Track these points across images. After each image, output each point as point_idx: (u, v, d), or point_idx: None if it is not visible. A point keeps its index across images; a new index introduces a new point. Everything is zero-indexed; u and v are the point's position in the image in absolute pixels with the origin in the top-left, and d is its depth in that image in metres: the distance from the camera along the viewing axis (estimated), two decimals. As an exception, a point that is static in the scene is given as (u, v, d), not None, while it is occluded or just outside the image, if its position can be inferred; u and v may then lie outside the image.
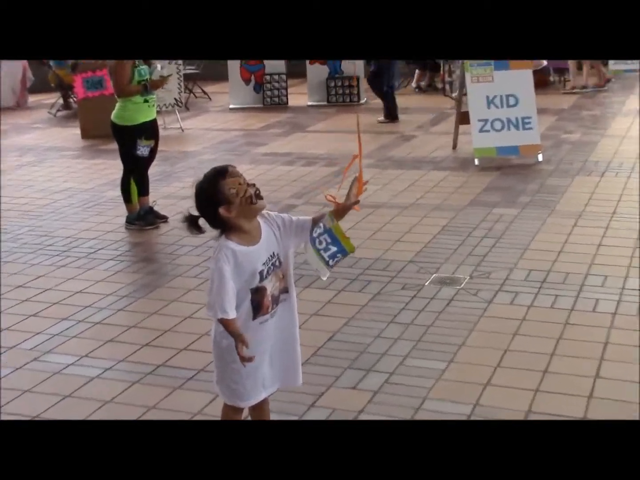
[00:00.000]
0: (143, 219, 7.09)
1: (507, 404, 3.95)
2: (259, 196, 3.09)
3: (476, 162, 8.82)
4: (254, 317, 3.16)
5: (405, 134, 10.77)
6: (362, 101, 13.42)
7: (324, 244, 3.19)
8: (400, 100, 12.49)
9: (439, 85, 14.14)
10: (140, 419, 3.95)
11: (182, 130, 11.68)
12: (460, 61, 10.02)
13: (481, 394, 4.06)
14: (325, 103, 13.43)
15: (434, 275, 5.66)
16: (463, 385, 4.17)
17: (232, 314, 3.03)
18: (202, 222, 3.15)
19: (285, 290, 3.25)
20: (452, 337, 4.70)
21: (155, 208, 7.22)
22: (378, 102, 12.20)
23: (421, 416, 3.89)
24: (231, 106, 13.58)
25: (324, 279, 3.31)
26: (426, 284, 5.52)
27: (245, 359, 3.00)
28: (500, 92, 8.85)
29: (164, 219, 7.18)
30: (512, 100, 8.85)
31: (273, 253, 3.16)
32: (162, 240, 6.85)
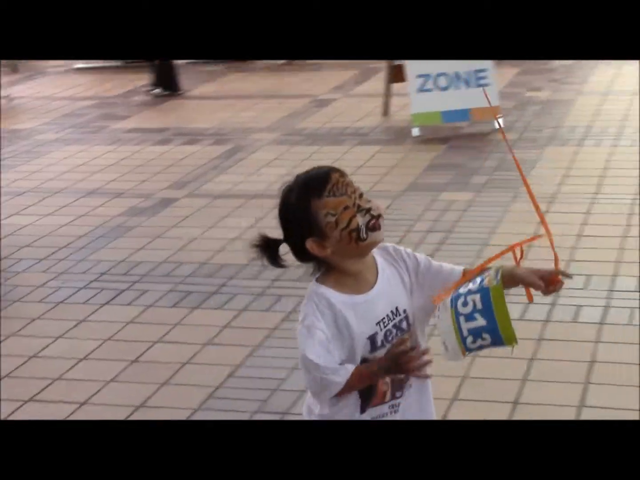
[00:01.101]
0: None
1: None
2: (374, 226, 2.63)
3: (415, 132, 9.06)
4: (362, 409, 2.75)
5: (320, 98, 10.98)
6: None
7: (469, 308, 2.66)
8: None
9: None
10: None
11: (10, 99, 11.60)
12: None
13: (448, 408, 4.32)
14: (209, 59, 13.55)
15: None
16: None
17: (344, 375, 2.61)
18: (284, 248, 2.76)
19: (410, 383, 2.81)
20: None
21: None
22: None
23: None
24: (78, 65, 13.56)
25: (449, 360, 2.72)
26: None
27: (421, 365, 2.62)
28: (443, 37, 9.12)
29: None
30: (459, 49, 9.12)
31: (396, 309, 2.74)
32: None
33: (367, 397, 2.72)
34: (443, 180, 7.76)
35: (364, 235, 2.61)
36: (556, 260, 2.70)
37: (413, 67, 9.13)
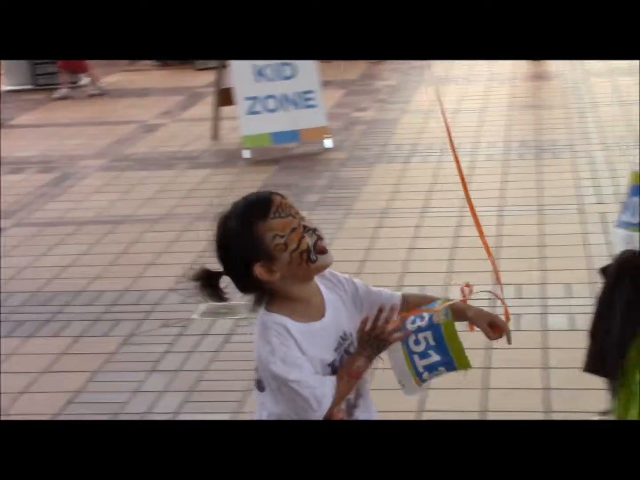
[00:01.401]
0: None
1: None
2: (321, 249, 2.60)
3: (246, 154, 9.12)
4: None
5: (148, 123, 10.96)
6: (83, 82, 13.40)
7: (422, 346, 2.70)
8: (136, 79, 12.68)
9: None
10: None
11: None
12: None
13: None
14: (30, 87, 13.33)
15: (205, 304, 5.84)
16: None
17: (330, 385, 2.57)
18: (225, 280, 2.68)
19: (359, 393, 2.77)
20: (237, 381, 4.89)
21: None
22: (109, 81, 12.26)
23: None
24: None
25: (408, 395, 2.85)
26: (195, 317, 5.71)
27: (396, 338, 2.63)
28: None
29: None
30: (287, 70, 9.23)
31: (344, 333, 2.69)
32: None
33: None
34: (275, 200, 7.80)
35: (314, 257, 2.56)
36: (506, 313, 2.78)
37: (241, 90, 9.19)
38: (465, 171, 7.78)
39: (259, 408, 2.67)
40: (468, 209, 3.05)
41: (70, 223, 7.56)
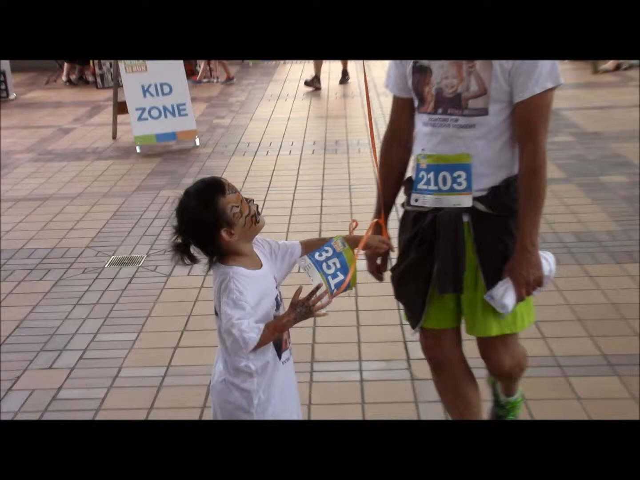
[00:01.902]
0: None
1: (196, 362, 4.30)
2: (258, 212, 2.59)
3: (138, 149, 9.04)
4: (279, 355, 2.62)
5: (64, 127, 10.67)
6: (12, 97, 12.95)
7: (332, 269, 2.69)
8: (52, 95, 12.33)
9: (90, 79, 14.09)
10: None
11: None
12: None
13: (172, 356, 4.39)
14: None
15: (112, 257, 5.85)
16: (155, 350, 4.46)
17: (257, 332, 2.46)
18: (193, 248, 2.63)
19: (288, 334, 2.75)
20: (139, 310, 4.96)
21: None
22: (31, 96, 11.88)
23: (119, 383, 4.12)
24: None
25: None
26: (106, 266, 5.69)
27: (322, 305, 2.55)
28: (154, 81, 9.13)
29: None
30: (166, 89, 9.17)
31: (274, 278, 2.66)
32: None
33: (278, 346, 2.59)
34: (161, 183, 7.81)
35: (258, 219, 2.55)
36: (383, 229, 2.92)
37: (132, 103, 9.09)
38: (296, 164, 8.16)
39: (220, 355, 2.61)
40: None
41: (9, 200, 7.36)
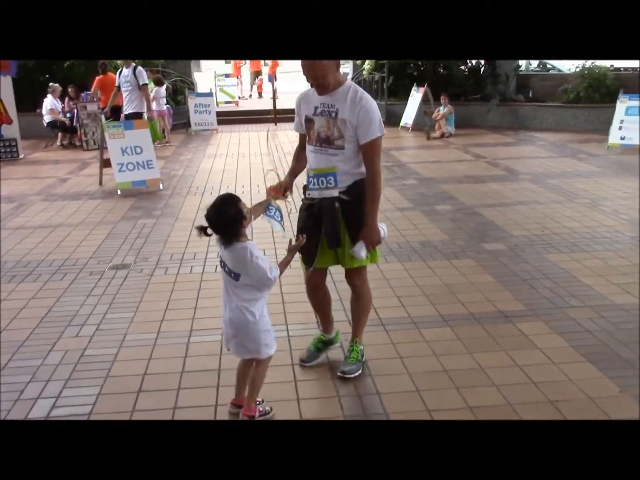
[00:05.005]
0: None
1: (177, 329, 4.47)
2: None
3: (119, 192, 9.02)
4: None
5: (62, 177, 10.52)
6: (21, 156, 12.62)
7: (279, 217, 3.37)
8: (50, 155, 12.11)
9: (77, 143, 13.90)
10: None
11: None
12: (100, 122, 10.10)
13: (160, 325, 4.54)
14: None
15: (110, 264, 5.96)
16: (148, 323, 4.62)
17: (277, 271, 3.05)
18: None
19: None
20: (133, 298, 5.10)
21: None
22: (36, 156, 11.56)
23: (125, 344, 4.28)
24: None
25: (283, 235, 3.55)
26: (106, 270, 5.77)
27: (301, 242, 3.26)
28: (130, 144, 9.17)
29: None
30: (138, 150, 9.23)
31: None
32: None
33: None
34: (139, 214, 7.85)
35: (251, 215, 3.09)
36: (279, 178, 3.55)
37: (115, 159, 9.11)
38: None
39: (233, 298, 3.09)
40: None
41: (29, 227, 7.27)
